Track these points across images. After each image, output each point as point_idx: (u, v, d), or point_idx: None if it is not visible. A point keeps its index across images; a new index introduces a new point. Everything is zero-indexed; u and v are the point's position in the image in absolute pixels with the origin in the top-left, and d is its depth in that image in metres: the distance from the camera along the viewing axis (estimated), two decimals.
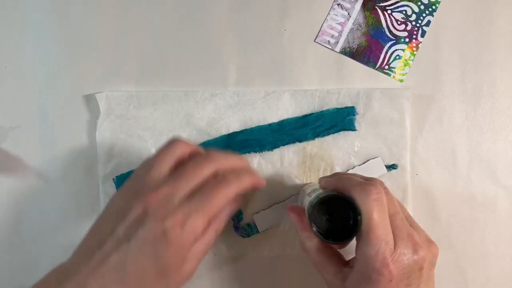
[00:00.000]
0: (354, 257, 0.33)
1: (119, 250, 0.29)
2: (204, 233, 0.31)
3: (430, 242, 0.34)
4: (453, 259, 0.44)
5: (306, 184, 0.43)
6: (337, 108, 0.44)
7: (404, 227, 0.33)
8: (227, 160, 0.34)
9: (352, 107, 0.44)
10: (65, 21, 0.44)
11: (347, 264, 0.34)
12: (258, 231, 0.43)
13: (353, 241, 0.33)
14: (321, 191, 0.34)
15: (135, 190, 0.32)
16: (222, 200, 0.31)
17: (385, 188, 0.34)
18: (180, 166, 0.33)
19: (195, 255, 0.31)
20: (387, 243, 0.31)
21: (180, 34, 0.45)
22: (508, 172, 0.44)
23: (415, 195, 0.44)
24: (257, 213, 0.43)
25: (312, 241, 0.34)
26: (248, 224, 0.43)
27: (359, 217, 0.31)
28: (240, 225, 0.43)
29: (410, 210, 0.43)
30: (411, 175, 0.44)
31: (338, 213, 0.32)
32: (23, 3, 0.44)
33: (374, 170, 0.43)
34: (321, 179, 0.37)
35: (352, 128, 0.43)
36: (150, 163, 0.33)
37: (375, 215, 0.31)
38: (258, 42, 0.45)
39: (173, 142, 0.34)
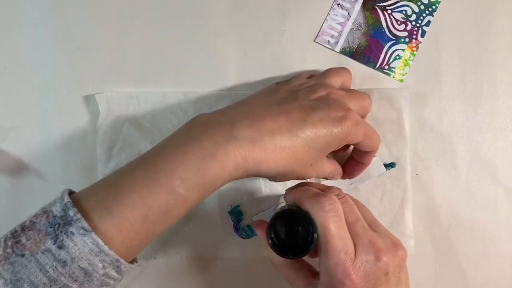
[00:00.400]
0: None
1: (302, 113, 0.33)
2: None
3: (395, 245, 0.33)
4: (453, 259, 0.44)
5: (281, 195, 0.42)
6: None
7: (365, 234, 0.32)
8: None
9: None
10: (65, 21, 0.44)
11: (316, 274, 0.34)
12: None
13: None
14: (284, 204, 0.34)
15: (308, 83, 0.38)
16: (377, 143, 0.38)
17: (343, 196, 0.34)
18: None
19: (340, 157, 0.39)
20: (346, 253, 0.31)
21: (180, 34, 0.45)
22: (508, 172, 0.44)
23: (415, 195, 0.44)
24: (256, 214, 0.43)
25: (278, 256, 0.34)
26: (248, 226, 0.43)
27: (314, 231, 0.31)
28: (240, 226, 0.43)
29: (410, 210, 0.43)
30: (411, 174, 0.44)
31: (298, 227, 0.32)
32: (23, 3, 0.44)
33: (373, 169, 0.43)
34: (286, 191, 0.37)
35: None
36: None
37: (331, 227, 0.31)
38: (258, 42, 0.45)
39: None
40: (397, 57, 0.45)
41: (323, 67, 0.45)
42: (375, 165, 0.43)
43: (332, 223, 0.31)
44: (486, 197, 0.44)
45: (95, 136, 0.43)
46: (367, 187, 0.44)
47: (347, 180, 0.43)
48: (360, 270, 0.31)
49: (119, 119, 0.44)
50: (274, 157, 0.32)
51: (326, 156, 0.37)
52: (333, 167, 0.38)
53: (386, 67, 0.45)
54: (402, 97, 0.43)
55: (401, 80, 0.45)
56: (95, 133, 0.43)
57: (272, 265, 0.35)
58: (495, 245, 0.44)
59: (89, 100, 0.44)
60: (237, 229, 0.43)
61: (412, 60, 0.45)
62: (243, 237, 0.43)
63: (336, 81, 0.39)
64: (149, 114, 0.44)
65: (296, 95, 0.35)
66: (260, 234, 0.35)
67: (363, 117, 0.39)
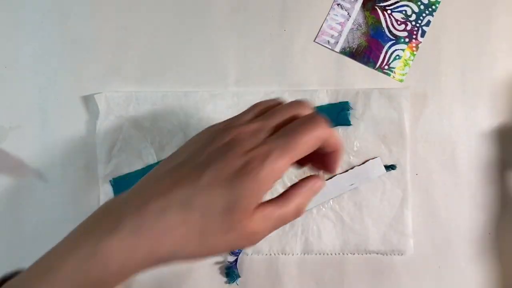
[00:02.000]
0: None
1: (192, 177, 0.27)
2: (285, 198, 0.29)
3: None
4: (453, 259, 0.44)
5: None
6: (331, 104, 0.44)
7: None
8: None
9: (346, 102, 0.44)
10: (65, 21, 0.45)
11: None
12: None
13: None
14: None
15: (224, 125, 0.30)
16: (309, 140, 0.27)
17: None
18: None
19: (266, 214, 0.27)
20: None
21: (180, 34, 0.45)
22: (508, 172, 0.44)
23: (415, 195, 0.44)
24: None
25: None
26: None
27: None
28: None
29: (409, 209, 0.43)
30: (411, 174, 0.44)
31: None
32: (23, 3, 0.44)
33: (374, 170, 0.43)
34: None
35: (347, 123, 0.43)
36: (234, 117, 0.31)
37: None
38: (258, 42, 0.45)
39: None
40: (397, 57, 0.45)
41: (323, 67, 0.45)
42: (375, 166, 0.43)
43: None
44: (486, 197, 0.44)
45: (94, 136, 0.43)
46: (367, 187, 0.44)
47: (346, 180, 0.43)
48: None
49: (118, 119, 0.44)
50: (169, 239, 0.26)
51: (260, 207, 0.28)
52: (270, 220, 0.28)
53: (386, 67, 0.45)
54: (402, 97, 0.43)
55: (401, 80, 0.45)
56: (95, 133, 0.43)
57: None
58: (495, 245, 0.44)
59: (88, 100, 0.44)
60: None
61: (412, 60, 0.45)
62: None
63: (275, 119, 0.29)
64: (149, 114, 0.44)
65: (198, 148, 0.29)
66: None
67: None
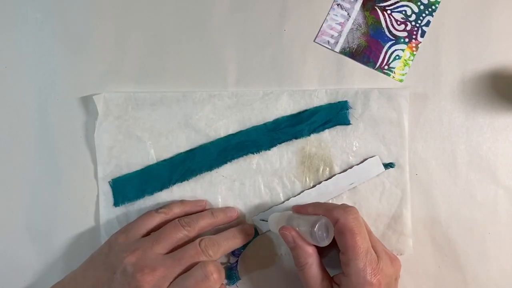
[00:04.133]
0: (340, 274, 0.36)
1: None
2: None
3: (396, 256, 0.38)
4: (453, 259, 0.44)
5: (270, 213, 0.42)
6: (330, 103, 0.44)
7: (378, 243, 0.38)
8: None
9: (345, 102, 0.44)
10: (65, 21, 0.45)
11: (332, 280, 0.37)
12: (257, 234, 0.43)
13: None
14: (311, 217, 0.37)
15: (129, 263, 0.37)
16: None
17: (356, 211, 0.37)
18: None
19: None
20: (372, 255, 0.34)
21: (179, 35, 0.45)
22: (508, 172, 0.44)
23: (415, 195, 0.44)
24: (256, 215, 0.43)
25: (312, 256, 0.36)
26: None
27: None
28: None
29: (408, 209, 0.43)
30: (411, 174, 0.44)
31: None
32: (23, 3, 0.44)
33: (373, 168, 0.43)
34: (295, 207, 0.40)
35: (347, 122, 0.43)
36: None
37: (360, 231, 0.34)
38: (258, 42, 0.45)
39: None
40: (397, 57, 0.45)
41: (323, 67, 0.45)
42: (374, 164, 0.43)
43: (359, 228, 0.34)
44: (486, 197, 0.44)
45: (93, 136, 0.43)
46: (366, 187, 0.44)
47: (346, 179, 0.43)
48: (383, 272, 0.34)
49: (118, 120, 0.43)
50: None
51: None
52: None
53: (386, 67, 0.45)
54: (402, 97, 0.43)
55: (401, 80, 0.45)
56: (94, 134, 0.43)
57: (303, 266, 0.37)
58: (495, 245, 0.44)
59: (88, 100, 0.44)
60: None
61: (412, 60, 0.45)
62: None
63: (181, 266, 0.37)
64: (148, 114, 0.44)
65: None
66: (293, 237, 0.37)
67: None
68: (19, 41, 0.44)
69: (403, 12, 0.45)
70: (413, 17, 0.45)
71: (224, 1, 0.45)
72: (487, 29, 0.44)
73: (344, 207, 0.36)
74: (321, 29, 0.45)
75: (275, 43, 0.45)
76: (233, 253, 0.43)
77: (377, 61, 0.45)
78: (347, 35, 0.45)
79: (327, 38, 0.45)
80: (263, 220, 0.43)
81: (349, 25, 0.45)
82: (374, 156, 0.43)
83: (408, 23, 0.45)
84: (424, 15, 0.45)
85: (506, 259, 0.44)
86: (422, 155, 0.44)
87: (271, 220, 0.41)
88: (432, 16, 0.45)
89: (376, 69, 0.45)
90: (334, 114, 0.43)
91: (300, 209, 0.40)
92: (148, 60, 0.44)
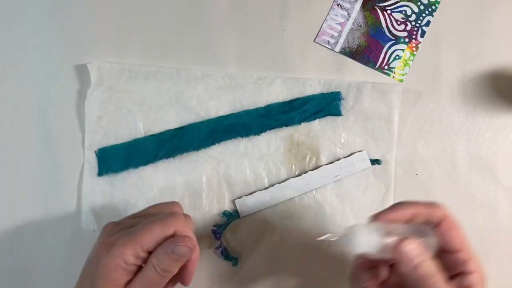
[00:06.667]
0: (458, 278, 0.32)
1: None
2: (144, 268, 0.32)
3: None
4: None
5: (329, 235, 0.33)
6: (323, 93, 0.44)
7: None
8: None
9: (338, 92, 0.44)
10: (65, 21, 0.45)
11: None
12: (239, 216, 0.43)
13: None
14: (409, 226, 0.32)
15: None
16: (152, 233, 0.32)
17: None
18: None
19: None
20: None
21: (179, 34, 0.45)
22: (508, 172, 0.44)
23: (415, 195, 0.44)
24: (239, 198, 0.43)
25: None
26: (229, 213, 0.43)
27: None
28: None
29: None
30: (411, 174, 0.44)
31: None
32: (23, 3, 0.44)
33: (359, 163, 0.43)
34: (378, 216, 0.32)
35: (338, 113, 0.44)
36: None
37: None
38: (258, 42, 0.45)
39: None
40: (397, 57, 0.45)
41: (323, 67, 0.45)
42: (361, 159, 0.43)
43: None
44: (486, 197, 0.44)
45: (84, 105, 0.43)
46: (351, 180, 0.43)
47: (331, 172, 0.43)
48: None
49: (109, 90, 0.43)
50: None
51: None
52: None
53: (386, 67, 0.45)
54: (394, 93, 0.43)
55: (401, 80, 0.45)
56: (85, 102, 0.43)
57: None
58: (495, 245, 0.44)
59: (81, 70, 0.44)
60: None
61: (412, 60, 0.45)
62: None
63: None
64: (140, 88, 0.43)
65: None
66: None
67: None
68: (19, 41, 0.44)
69: (403, 12, 0.45)
70: (413, 17, 0.45)
71: (224, 1, 0.45)
72: (487, 29, 0.45)
73: (434, 204, 0.33)
74: (321, 29, 0.45)
75: (275, 43, 0.45)
76: (214, 235, 0.43)
77: (377, 61, 0.45)
78: (347, 35, 0.45)
79: (327, 38, 0.45)
80: (330, 239, 0.32)
81: (349, 25, 0.45)
82: (362, 151, 0.43)
83: (408, 23, 0.45)
84: (424, 15, 0.45)
85: (506, 259, 0.44)
86: (422, 155, 0.44)
87: (353, 234, 0.30)
88: (432, 16, 0.45)
89: (376, 69, 0.45)
90: (326, 104, 0.43)
91: (381, 217, 0.32)
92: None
